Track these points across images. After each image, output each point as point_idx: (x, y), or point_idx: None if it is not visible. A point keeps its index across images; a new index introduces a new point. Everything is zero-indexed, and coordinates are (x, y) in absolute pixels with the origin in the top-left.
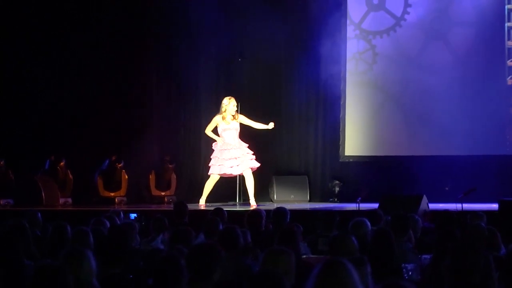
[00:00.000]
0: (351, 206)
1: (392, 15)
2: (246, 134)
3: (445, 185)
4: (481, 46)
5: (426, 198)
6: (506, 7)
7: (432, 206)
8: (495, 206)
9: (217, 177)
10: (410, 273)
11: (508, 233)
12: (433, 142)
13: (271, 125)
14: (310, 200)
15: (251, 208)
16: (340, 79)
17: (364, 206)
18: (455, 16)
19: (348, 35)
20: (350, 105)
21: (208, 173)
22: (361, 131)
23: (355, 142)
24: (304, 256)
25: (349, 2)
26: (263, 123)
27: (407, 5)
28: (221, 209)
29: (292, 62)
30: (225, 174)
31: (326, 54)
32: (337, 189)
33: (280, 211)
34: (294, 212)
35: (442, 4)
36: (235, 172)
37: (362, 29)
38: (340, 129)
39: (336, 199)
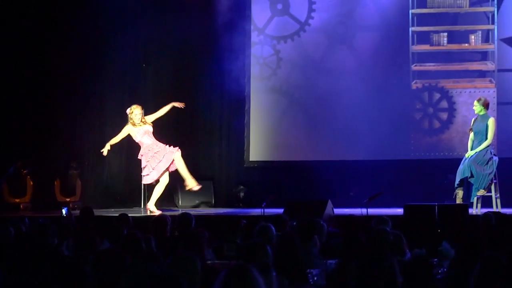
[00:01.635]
0: (256, 211)
1: (296, 20)
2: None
3: (350, 190)
4: (386, 51)
5: (331, 203)
6: (410, 11)
7: (337, 211)
8: (400, 211)
9: (166, 179)
10: (315, 278)
11: (413, 238)
12: (338, 146)
13: (178, 104)
14: (215, 206)
15: (152, 214)
16: (244, 84)
17: (269, 211)
18: (360, 21)
19: (252, 40)
20: (254, 110)
21: (144, 183)
22: (266, 136)
23: (260, 147)
24: (210, 262)
25: (253, 8)
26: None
27: (311, 10)
28: (126, 215)
29: (197, 68)
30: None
31: (231, 60)
32: (242, 194)
33: (185, 216)
34: (199, 217)
35: (346, 9)
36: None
37: (266, 34)
38: (245, 134)
39: (241, 204)
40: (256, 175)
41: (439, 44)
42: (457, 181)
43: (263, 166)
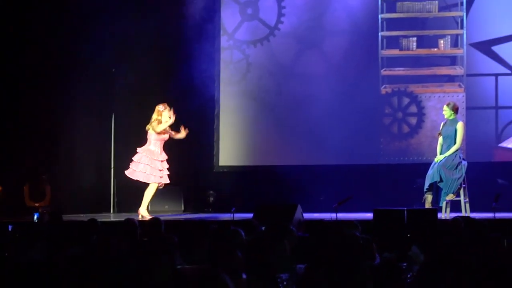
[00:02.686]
0: (226, 216)
1: (266, 25)
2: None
3: (320, 194)
4: (355, 55)
5: (300, 208)
6: (379, 16)
7: (307, 215)
8: (369, 215)
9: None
10: (285, 283)
11: (383, 242)
12: (308, 151)
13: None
14: (184, 211)
15: (144, 219)
16: (214, 89)
17: (239, 216)
18: (329, 25)
19: (222, 44)
20: (224, 115)
21: (131, 177)
22: (236, 141)
23: (229, 151)
24: (179, 267)
25: (222, 12)
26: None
27: (280, 14)
28: (95, 220)
29: (166, 72)
30: (160, 182)
31: (200, 64)
32: (211, 199)
33: (154, 222)
34: (169, 222)
35: (316, 13)
36: (164, 181)
37: (236, 39)
38: (215, 139)
39: (210, 209)
40: (226, 180)
41: (408, 49)
42: (426, 186)
43: (233, 171)
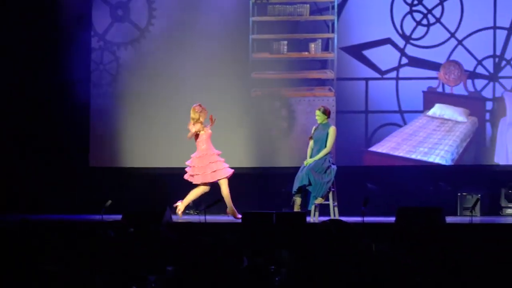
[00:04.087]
0: (96, 217)
1: (137, 27)
2: None
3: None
4: (226, 58)
5: (170, 210)
6: (250, 19)
7: (176, 218)
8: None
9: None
10: (153, 285)
11: (251, 246)
12: (178, 154)
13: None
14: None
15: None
16: (85, 90)
17: (108, 217)
18: (200, 28)
19: (92, 46)
20: (95, 117)
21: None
22: (107, 143)
23: (101, 153)
24: (49, 268)
25: (93, 13)
26: None
27: (151, 16)
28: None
29: (37, 73)
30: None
31: (71, 65)
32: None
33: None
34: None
35: (187, 16)
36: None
37: (106, 40)
38: (86, 140)
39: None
40: (97, 181)
41: (279, 52)
42: (294, 189)
43: (104, 173)
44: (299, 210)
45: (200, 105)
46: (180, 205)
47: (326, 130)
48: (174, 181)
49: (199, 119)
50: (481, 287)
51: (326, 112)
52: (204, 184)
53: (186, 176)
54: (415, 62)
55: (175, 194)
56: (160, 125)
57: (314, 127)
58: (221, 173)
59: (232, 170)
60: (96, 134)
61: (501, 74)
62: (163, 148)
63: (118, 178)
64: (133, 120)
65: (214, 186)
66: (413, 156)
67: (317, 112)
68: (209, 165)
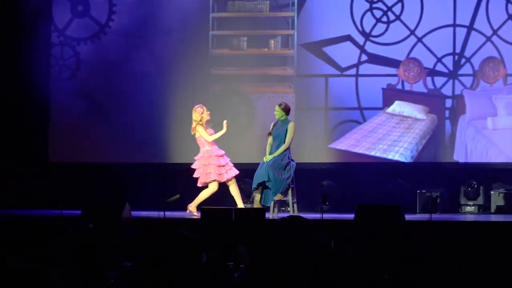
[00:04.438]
0: (54, 213)
1: (97, 22)
2: None
3: (147, 192)
4: (186, 54)
5: (129, 206)
6: (210, 15)
7: (135, 213)
8: (197, 214)
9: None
10: (112, 280)
11: (210, 241)
12: (138, 149)
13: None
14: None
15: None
16: (44, 85)
17: (67, 212)
18: (160, 24)
19: (52, 41)
20: (55, 112)
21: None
22: (66, 138)
23: (60, 148)
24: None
25: (54, 8)
26: None
27: (111, 12)
28: None
29: None
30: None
31: (31, 60)
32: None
33: None
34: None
35: (147, 11)
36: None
37: (66, 36)
38: (46, 136)
39: (40, 205)
40: (57, 176)
41: (239, 48)
42: (254, 185)
43: (64, 167)
44: (259, 206)
45: (201, 106)
46: (191, 207)
47: (285, 127)
48: (134, 176)
49: (201, 120)
50: (440, 283)
51: (286, 109)
52: (211, 183)
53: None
54: (374, 59)
55: (135, 189)
56: (119, 120)
57: (272, 124)
58: (209, 176)
59: (235, 173)
60: (56, 129)
61: (460, 71)
62: (123, 143)
63: (78, 173)
64: (93, 115)
65: (223, 186)
66: (373, 153)
67: (276, 108)
68: (204, 167)
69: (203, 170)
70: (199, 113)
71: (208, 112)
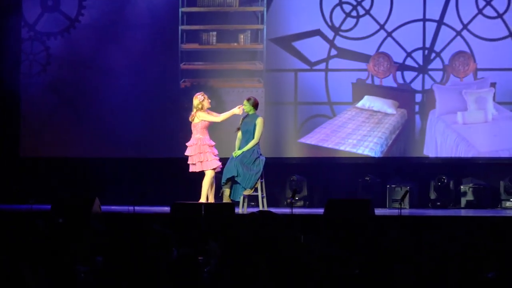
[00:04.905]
0: (24, 208)
1: (67, 17)
2: None
3: (119, 187)
4: (155, 49)
5: (98, 201)
6: (180, 10)
7: (105, 208)
8: (167, 209)
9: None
10: (83, 275)
11: (180, 236)
12: (107, 144)
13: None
14: None
15: None
16: (14, 81)
17: (38, 207)
18: (130, 19)
19: (22, 36)
20: (25, 107)
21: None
22: (37, 133)
23: (30, 143)
24: None
25: (24, 3)
26: None
27: (81, 7)
28: None
29: None
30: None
31: (1, 56)
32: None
33: None
34: None
35: (116, 6)
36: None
37: (36, 31)
38: (16, 131)
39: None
40: (27, 171)
41: (208, 43)
42: (223, 180)
43: (34, 162)
44: (228, 201)
45: (202, 94)
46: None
47: (254, 121)
48: (105, 171)
49: (202, 107)
50: (409, 278)
51: (255, 104)
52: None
53: (190, 169)
54: (344, 53)
55: (105, 184)
56: (88, 115)
57: (241, 118)
58: (208, 164)
59: (219, 164)
60: (27, 124)
61: (430, 66)
62: (94, 138)
63: (48, 168)
64: (64, 110)
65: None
66: (342, 148)
67: (245, 102)
68: (198, 154)
69: (198, 158)
70: (200, 100)
71: (209, 101)
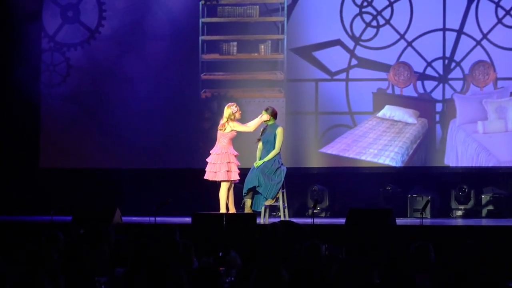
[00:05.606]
0: (45, 219)
1: (87, 28)
2: None
3: (139, 197)
4: (176, 59)
5: (119, 211)
6: (200, 20)
7: (126, 219)
8: (188, 219)
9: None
10: (103, 286)
11: (201, 247)
12: (128, 154)
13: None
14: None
15: None
16: (34, 91)
17: (58, 218)
18: (150, 29)
19: (42, 46)
20: (45, 118)
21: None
22: (57, 143)
23: (51, 153)
24: None
25: (44, 14)
26: None
27: (101, 18)
28: None
29: None
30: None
31: (21, 66)
32: None
33: None
34: None
35: (137, 17)
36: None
37: (56, 42)
38: (37, 141)
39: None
40: (47, 182)
41: (228, 53)
42: (245, 190)
43: (54, 173)
44: (250, 211)
45: (235, 105)
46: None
47: (274, 131)
48: (125, 182)
49: (234, 118)
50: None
51: (273, 113)
52: (223, 181)
53: (206, 176)
54: (364, 63)
55: (126, 194)
56: (109, 126)
57: (262, 129)
58: (232, 175)
59: (238, 178)
60: (47, 134)
61: (450, 75)
62: (114, 148)
63: (68, 179)
64: (84, 121)
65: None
66: (363, 158)
67: (264, 112)
68: (226, 164)
69: (226, 167)
70: (233, 112)
71: (240, 112)
